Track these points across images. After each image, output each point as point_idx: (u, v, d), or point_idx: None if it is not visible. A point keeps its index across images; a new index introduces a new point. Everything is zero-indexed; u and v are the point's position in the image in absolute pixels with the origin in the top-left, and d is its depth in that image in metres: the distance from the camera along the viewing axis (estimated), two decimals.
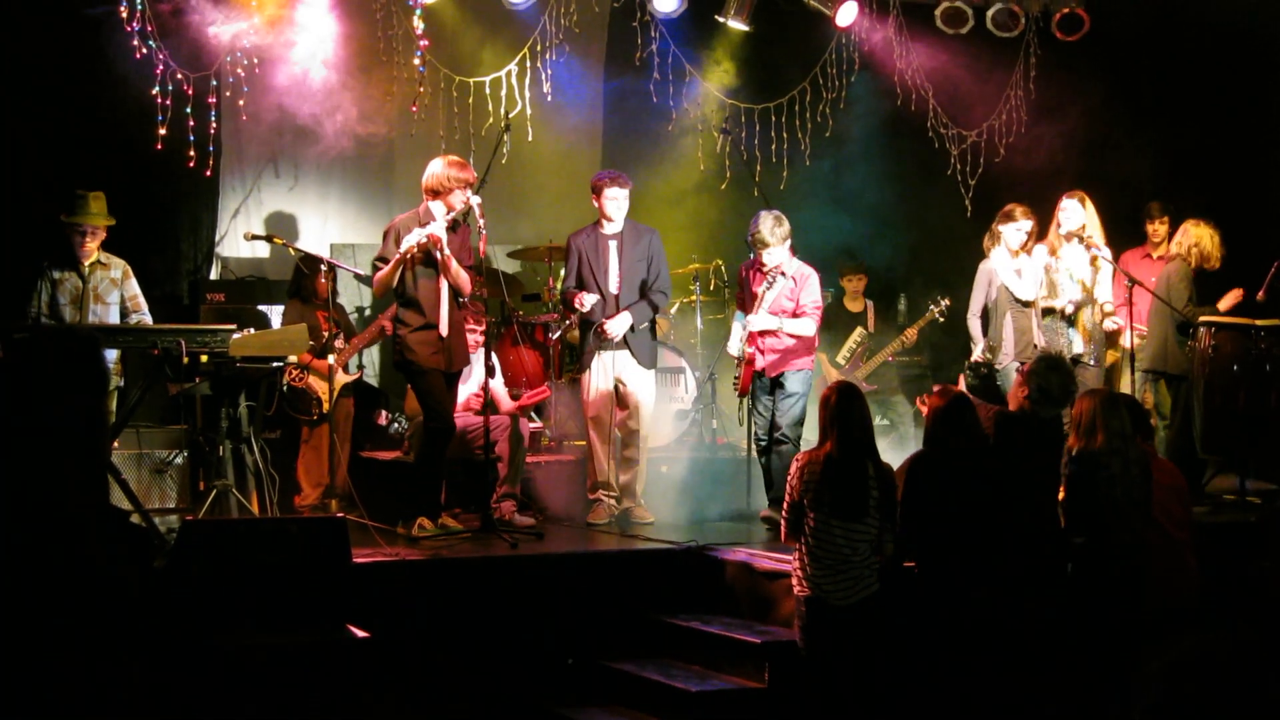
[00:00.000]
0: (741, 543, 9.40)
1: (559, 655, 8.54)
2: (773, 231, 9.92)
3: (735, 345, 10.20)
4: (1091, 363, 10.53)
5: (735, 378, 10.28)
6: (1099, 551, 7.58)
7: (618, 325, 10.32)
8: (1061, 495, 7.78)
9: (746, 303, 10.21)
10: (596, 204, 10.44)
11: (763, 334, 10.03)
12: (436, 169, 9.44)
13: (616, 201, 10.37)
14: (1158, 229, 12.07)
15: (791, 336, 10.00)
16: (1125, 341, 11.05)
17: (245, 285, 11.96)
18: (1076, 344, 10.52)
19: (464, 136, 11.80)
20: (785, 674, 7.77)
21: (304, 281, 11.00)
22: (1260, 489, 10.57)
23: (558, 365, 12.28)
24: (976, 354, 10.62)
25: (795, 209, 10.17)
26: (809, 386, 10.16)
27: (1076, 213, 10.60)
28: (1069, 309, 10.53)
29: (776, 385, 10.08)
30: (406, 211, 9.65)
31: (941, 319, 12.25)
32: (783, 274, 9.97)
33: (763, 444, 10.21)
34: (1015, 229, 10.59)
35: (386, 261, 9.32)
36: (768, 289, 9.98)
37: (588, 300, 10.35)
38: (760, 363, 10.07)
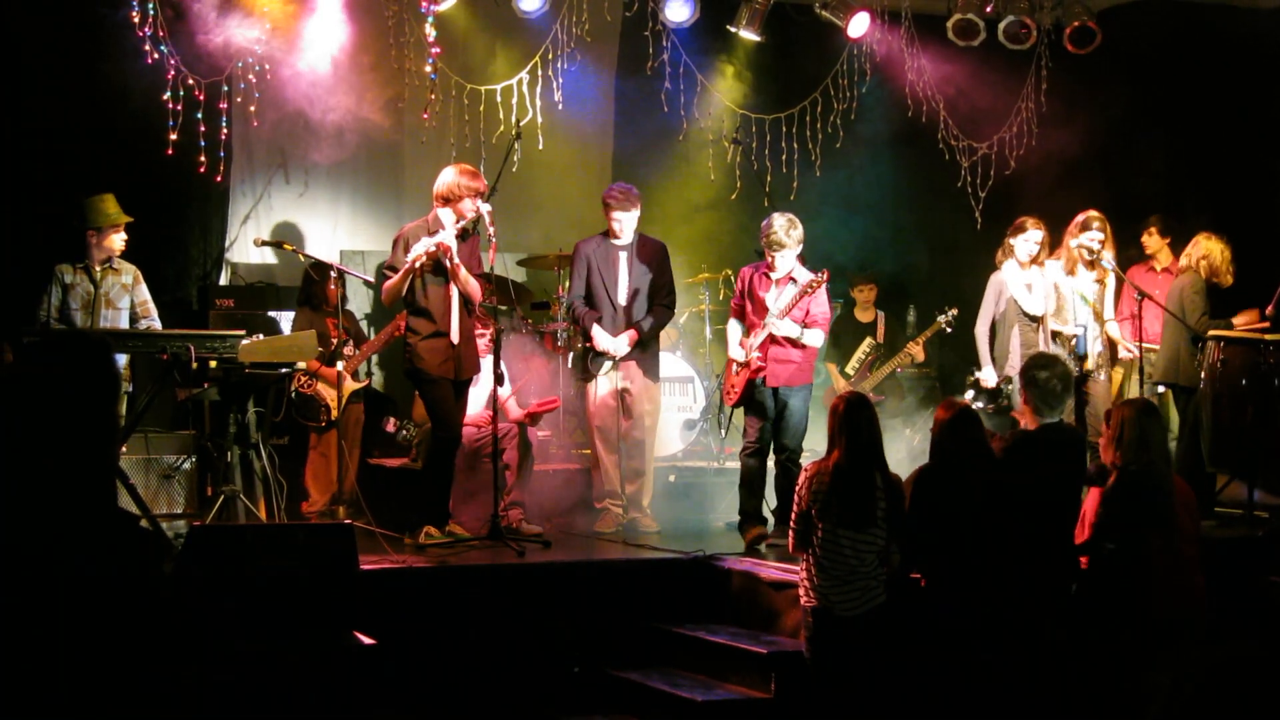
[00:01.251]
0: (748, 553, 9.40)
1: (565, 663, 8.54)
2: (788, 233, 9.87)
3: (738, 350, 10.11)
4: (1101, 377, 10.51)
5: (730, 386, 10.21)
6: (1131, 560, 7.58)
7: (620, 346, 10.37)
8: (1094, 505, 7.78)
9: (753, 310, 10.10)
10: (606, 218, 10.50)
11: (774, 342, 9.96)
12: (449, 177, 9.46)
13: (621, 223, 10.45)
14: (1148, 242, 12.07)
15: (797, 348, 9.95)
16: (1124, 354, 11.05)
17: (255, 291, 11.97)
18: (1090, 360, 10.47)
19: (475, 144, 11.80)
20: (791, 684, 7.77)
21: (313, 288, 11.02)
22: (1268, 503, 10.54)
23: (566, 373, 12.29)
24: (983, 374, 10.56)
25: (806, 219, 10.13)
26: (809, 403, 10.16)
27: (1098, 235, 10.55)
28: (1078, 334, 10.45)
29: (776, 398, 10.02)
30: (415, 219, 9.67)
31: (949, 329, 12.22)
32: (793, 280, 9.95)
33: (750, 451, 10.13)
34: (1025, 241, 10.58)
35: (395, 270, 9.34)
36: (792, 296, 9.91)
37: (604, 343, 10.40)
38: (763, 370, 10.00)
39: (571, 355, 11.75)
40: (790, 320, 9.87)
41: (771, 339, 9.92)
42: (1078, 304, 10.54)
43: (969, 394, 10.58)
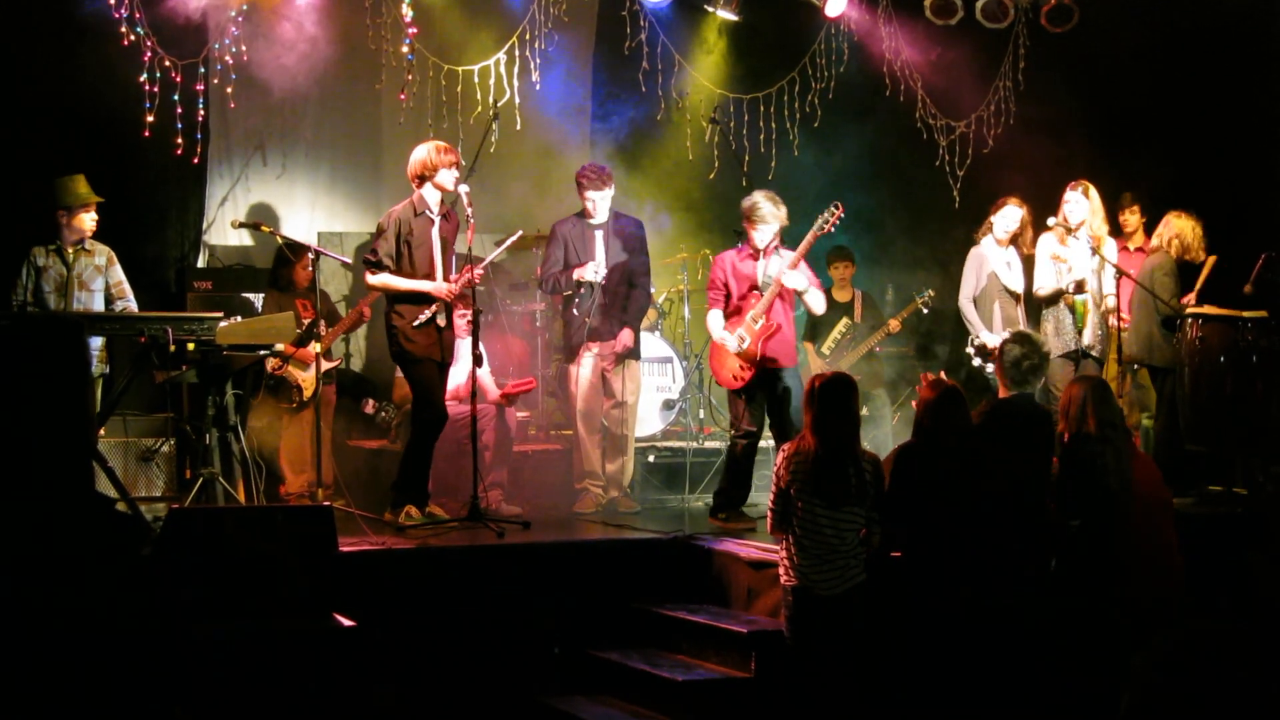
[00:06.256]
0: (728, 532, 9.40)
1: (545, 644, 8.55)
2: (775, 209, 9.85)
3: (731, 340, 9.84)
4: (1096, 353, 10.52)
5: (730, 371, 9.97)
6: (1095, 536, 7.59)
7: (629, 340, 10.35)
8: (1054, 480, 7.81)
9: (738, 291, 9.95)
10: (580, 197, 10.49)
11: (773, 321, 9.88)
12: (422, 154, 9.51)
13: (595, 202, 10.43)
14: (1128, 219, 12.08)
15: (786, 323, 9.92)
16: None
17: (232, 273, 11.93)
18: (1085, 336, 10.49)
19: (452, 125, 11.79)
20: (771, 664, 7.77)
21: (281, 270, 10.98)
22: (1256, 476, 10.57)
23: (545, 354, 12.29)
24: (984, 338, 10.58)
25: (784, 199, 10.12)
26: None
27: (1080, 204, 10.56)
28: (1070, 288, 10.46)
29: (774, 379, 9.91)
30: (394, 200, 9.67)
31: (925, 309, 12.23)
32: (778, 252, 9.92)
33: (752, 437, 10.04)
34: (1003, 217, 10.66)
35: (392, 259, 9.38)
36: (806, 239, 9.87)
37: (587, 271, 10.37)
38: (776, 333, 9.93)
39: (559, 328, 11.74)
40: (800, 274, 9.85)
41: (766, 314, 9.85)
42: (1070, 278, 10.51)
43: (975, 360, 10.59)
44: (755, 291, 9.87)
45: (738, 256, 10.06)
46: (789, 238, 10.18)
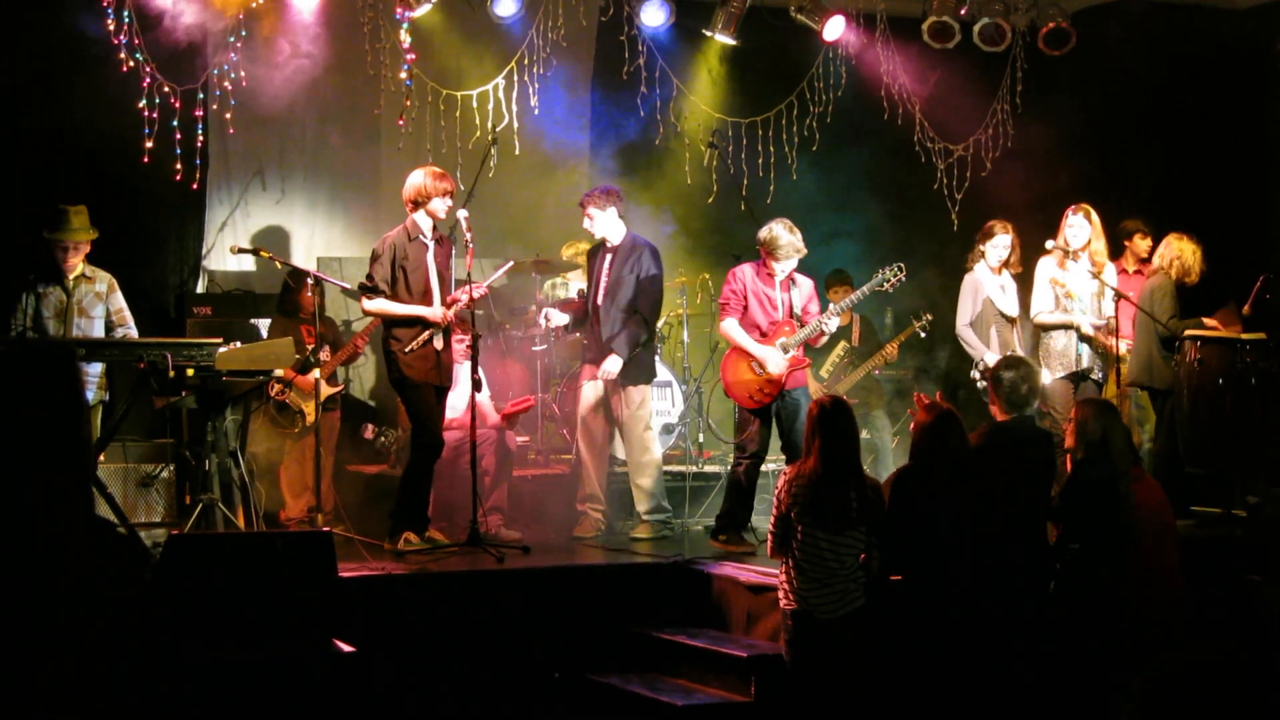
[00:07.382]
0: (728, 556, 9.40)
1: (545, 669, 8.53)
2: (794, 244, 9.77)
3: (773, 352, 9.77)
4: (1097, 376, 10.52)
5: (756, 389, 9.83)
6: (1097, 558, 7.59)
7: (611, 367, 10.29)
8: (1055, 504, 7.81)
9: (762, 310, 9.88)
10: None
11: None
12: (416, 180, 9.50)
13: (590, 221, 10.40)
14: (1136, 244, 12.07)
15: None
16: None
17: (232, 299, 11.93)
18: (1085, 358, 10.48)
19: (451, 150, 11.81)
20: (772, 687, 7.77)
21: (287, 296, 10.99)
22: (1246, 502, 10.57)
23: (544, 379, 12.29)
24: (989, 361, 10.54)
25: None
26: None
27: (1083, 228, 10.56)
28: (1088, 329, 10.47)
29: (786, 402, 9.86)
30: (392, 226, 9.68)
31: (923, 334, 12.17)
32: (794, 280, 9.92)
33: (758, 460, 10.00)
34: (994, 246, 10.67)
35: (388, 284, 9.39)
36: (861, 291, 10.03)
37: (554, 319, 10.53)
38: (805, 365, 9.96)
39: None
40: (836, 319, 10.07)
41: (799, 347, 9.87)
42: (1074, 304, 10.51)
43: (981, 383, 10.58)
44: (791, 320, 9.87)
45: (756, 273, 9.99)
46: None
